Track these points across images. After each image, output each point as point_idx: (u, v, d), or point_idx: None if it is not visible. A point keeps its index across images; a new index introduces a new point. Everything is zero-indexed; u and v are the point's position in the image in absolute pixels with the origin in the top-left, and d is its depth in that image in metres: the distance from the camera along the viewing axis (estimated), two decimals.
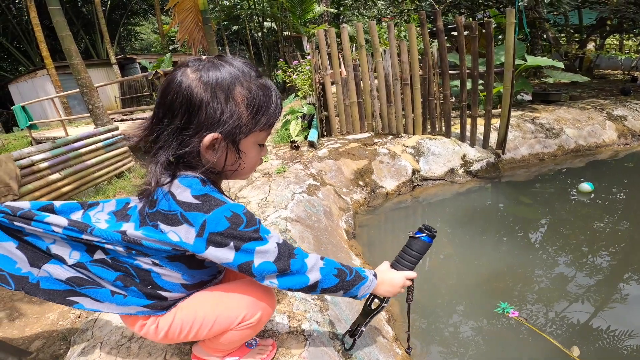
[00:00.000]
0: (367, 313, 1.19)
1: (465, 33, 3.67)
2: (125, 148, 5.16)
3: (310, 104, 5.55)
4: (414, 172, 3.79)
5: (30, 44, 17.74)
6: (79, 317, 2.02)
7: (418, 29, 4.06)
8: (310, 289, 0.95)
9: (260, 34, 18.68)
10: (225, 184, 1.03)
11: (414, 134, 4.23)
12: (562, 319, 1.86)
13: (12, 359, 1.51)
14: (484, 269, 2.40)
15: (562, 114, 4.86)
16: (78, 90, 6.21)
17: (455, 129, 4.22)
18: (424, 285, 2.19)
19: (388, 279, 1.10)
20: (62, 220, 0.90)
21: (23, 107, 9.03)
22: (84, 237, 0.90)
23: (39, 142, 8.94)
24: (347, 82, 4.23)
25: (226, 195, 0.92)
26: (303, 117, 5.20)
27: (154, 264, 0.93)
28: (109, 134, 4.91)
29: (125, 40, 24.33)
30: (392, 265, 1.15)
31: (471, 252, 2.62)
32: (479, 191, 3.65)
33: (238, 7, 17.76)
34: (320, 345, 1.28)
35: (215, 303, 1.00)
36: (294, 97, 6.58)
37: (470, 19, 8.05)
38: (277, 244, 0.91)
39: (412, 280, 1.15)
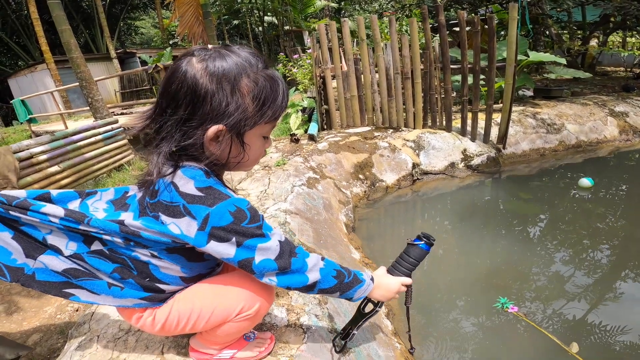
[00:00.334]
0: (360, 316, 1.18)
1: (467, 28, 3.64)
2: (125, 141, 5.13)
3: (310, 97, 5.53)
4: (414, 165, 3.78)
5: (30, 38, 17.68)
6: (77, 310, 2.01)
7: (420, 23, 4.03)
8: (309, 288, 0.94)
9: (260, 28, 18.63)
10: (227, 175, 1.01)
11: (414, 128, 4.21)
12: (561, 315, 1.85)
13: (10, 353, 1.49)
14: (483, 263, 2.39)
15: (563, 110, 4.84)
16: (77, 84, 6.18)
17: (456, 123, 4.20)
18: (423, 279, 2.18)
19: (384, 283, 1.10)
20: (59, 210, 0.88)
21: (22, 100, 9.00)
22: (81, 227, 0.88)
23: (38, 135, 8.90)
24: (348, 75, 4.20)
25: (229, 188, 0.91)
26: (303, 110, 5.19)
27: (153, 255, 0.92)
28: (108, 127, 4.88)
29: (125, 35, 24.23)
30: (389, 271, 1.15)
31: (471, 246, 2.61)
32: (479, 186, 3.64)
33: (239, 1, 17.68)
34: (319, 339, 1.28)
35: (213, 295, 0.99)
36: (295, 90, 6.56)
37: (473, 14, 8.01)
38: (280, 241, 0.89)
39: (409, 284, 1.15)
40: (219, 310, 0.97)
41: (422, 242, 1.12)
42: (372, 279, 1.07)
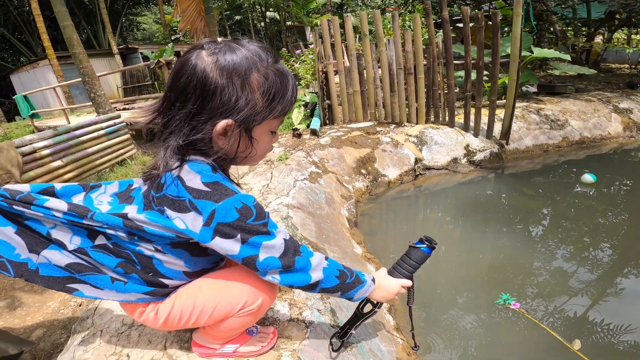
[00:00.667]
0: (358, 317, 1.18)
1: (471, 24, 3.62)
2: (127, 136, 5.14)
3: (313, 92, 5.52)
4: (417, 161, 3.77)
5: (32, 34, 17.68)
6: (80, 305, 2.01)
7: (423, 19, 4.01)
8: (311, 287, 0.94)
9: (263, 23, 18.58)
10: (231, 170, 1.01)
11: (417, 123, 4.19)
12: (563, 312, 1.84)
13: (14, 349, 1.49)
14: (485, 259, 2.38)
15: (567, 106, 4.81)
16: (80, 79, 6.18)
17: (459, 118, 4.18)
18: (426, 275, 2.18)
19: (385, 285, 1.10)
20: (63, 205, 0.87)
21: (25, 96, 9.01)
22: (85, 222, 0.87)
23: (41, 130, 8.93)
24: (351, 71, 4.19)
25: (235, 184, 0.90)
26: (305, 105, 5.18)
27: (156, 250, 0.91)
28: (111, 122, 4.89)
29: (127, 31, 24.19)
30: (390, 272, 1.15)
31: (473, 242, 2.60)
32: (482, 181, 3.63)
33: None
34: (321, 334, 1.28)
35: (216, 289, 0.98)
36: (297, 86, 6.54)
37: (476, 10, 7.96)
38: (284, 240, 0.89)
39: (412, 284, 1.15)
40: (222, 305, 0.97)
41: (424, 245, 1.13)
42: (373, 280, 1.07)
